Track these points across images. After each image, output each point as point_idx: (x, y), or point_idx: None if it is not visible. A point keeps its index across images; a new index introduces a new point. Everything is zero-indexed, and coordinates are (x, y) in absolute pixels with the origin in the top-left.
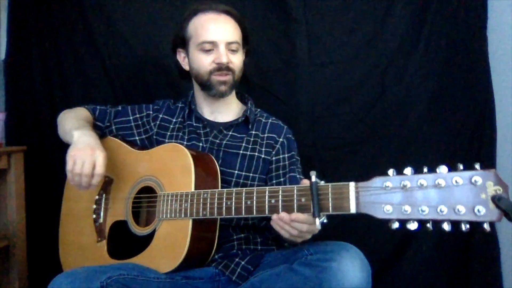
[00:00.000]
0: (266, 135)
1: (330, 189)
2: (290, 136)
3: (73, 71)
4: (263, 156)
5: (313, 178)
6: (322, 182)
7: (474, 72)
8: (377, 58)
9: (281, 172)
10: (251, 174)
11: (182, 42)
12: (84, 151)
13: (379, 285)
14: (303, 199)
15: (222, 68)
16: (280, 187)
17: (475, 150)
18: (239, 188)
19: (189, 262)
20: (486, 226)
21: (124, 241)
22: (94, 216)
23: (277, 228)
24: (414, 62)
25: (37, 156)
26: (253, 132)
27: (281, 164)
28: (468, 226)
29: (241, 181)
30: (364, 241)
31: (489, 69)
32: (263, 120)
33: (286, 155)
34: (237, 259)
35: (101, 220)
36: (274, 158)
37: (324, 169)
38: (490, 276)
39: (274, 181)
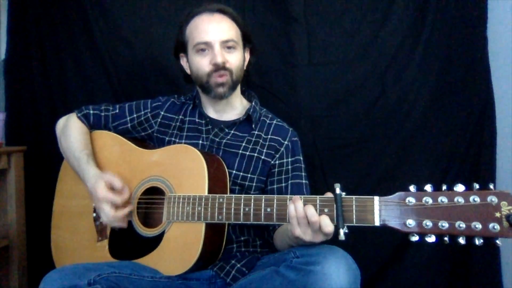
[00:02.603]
0: (269, 136)
1: (354, 201)
2: (295, 139)
3: (73, 71)
4: (263, 157)
5: (338, 190)
6: (344, 194)
7: (474, 72)
8: (377, 58)
9: (283, 176)
10: (249, 175)
11: (182, 46)
12: (95, 201)
13: (380, 286)
14: (326, 210)
15: (219, 68)
16: (303, 196)
17: (475, 151)
18: (258, 195)
19: (199, 266)
20: (498, 241)
21: (127, 242)
22: (95, 214)
23: (290, 209)
24: (414, 62)
25: (37, 156)
26: (256, 132)
27: (284, 168)
28: (481, 240)
29: (238, 181)
30: (364, 243)
31: (489, 69)
32: (268, 121)
33: (289, 159)
34: (233, 261)
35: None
36: (277, 162)
37: (324, 169)
38: (490, 276)
39: (275, 186)
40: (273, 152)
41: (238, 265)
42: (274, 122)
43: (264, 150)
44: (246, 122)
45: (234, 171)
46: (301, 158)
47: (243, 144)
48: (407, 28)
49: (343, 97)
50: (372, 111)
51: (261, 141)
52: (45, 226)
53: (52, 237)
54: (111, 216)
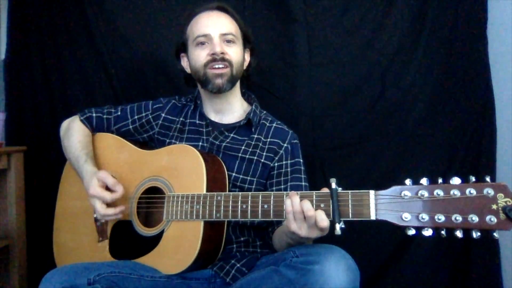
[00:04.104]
0: (269, 139)
1: (350, 196)
2: (295, 141)
3: (73, 71)
4: (262, 160)
5: (333, 185)
6: (340, 189)
7: (474, 72)
8: (377, 58)
9: (282, 179)
10: (248, 178)
11: (183, 46)
12: (88, 198)
13: (379, 285)
14: (322, 205)
15: (217, 59)
16: (299, 192)
17: (475, 150)
18: (254, 192)
19: (198, 264)
20: (495, 234)
21: (127, 242)
22: (95, 215)
23: (287, 203)
24: (414, 62)
25: (37, 156)
26: (256, 136)
27: (283, 170)
28: (479, 233)
29: (238, 184)
30: (364, 243)
31: (489, 69)
32: (267, 124)
33: (288, 162)
34: (233, 261)
35: (103, 219)
36: (276, 164)
37: (324, 169)
38: (490, 276)
39: (274, 188)
40: (272, 155)
41: (238, 265)
42: (274, 125)
43: (264, 153)
44: (246, 126)
45: (233, 174)
46: (301, 161)
47: (243, 147)
48: (407, 28)
49: (343, 97)
50: (372, 111)
51: (260, 144)
52: (45, 226)
53: (54, 239)
54: (101, 213)
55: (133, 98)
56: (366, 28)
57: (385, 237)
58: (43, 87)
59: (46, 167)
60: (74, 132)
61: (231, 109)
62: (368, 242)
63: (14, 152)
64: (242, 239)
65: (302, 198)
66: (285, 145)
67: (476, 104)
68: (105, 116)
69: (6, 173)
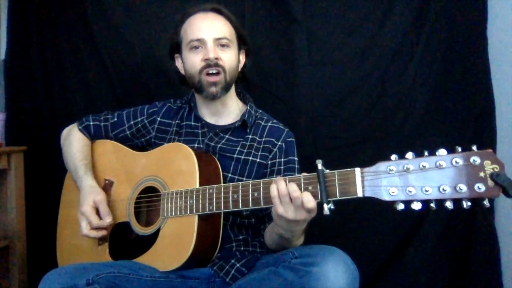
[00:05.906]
0: (264, 139)
1: (336, 175)
2: (290, 140)
3: (73, 72)
4: (258, 160)
5: (320, 166)
6: (327, 170)
7: (474, 72)
8: (377, 58)
9: (275, 176)
10: (244, 178)
11: (177, 47)
12: (79, 211)
13: (379, 286)
14: (310, 187)
15: (211, 64)
16: (287, 177)
17: None
18: (244, 181)
19: (195, 260)
20: (485, 202)
21: (127, 243)
22: None
23: (271, 188)
24: (414, 62)
25: (37, 156)
26: (250, 136)
27: (275, 168)
28: (469, 203)
29: None
30: (364, 243)
31: (489, 69)
32: (263, 123)
33: (282, 160)
34: (232, 261)
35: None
36: (270, 162)
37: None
38: (490, 276)
39: None
40: (267, 154)
41: (238, 265)
42: (269, 124)
43: (259, 153)
44: (241, 126)
45: (229, 175)
46: (296, 159)
47: (238, 148)
48: (407, 28)
49: (343, 97)
50: (372, 111)
51: (255, 144)
52: (46, 226)
53: (58, 246)
54: (84, 232)
55: (133, 98)
56: (366, 28)
57: (384, 238)
58: (43, 87)
59: (46, 167)
60: (73, 142)
61: (227, 111)
62: (367, 242)
63: (14, 152)
64: (241, 237)
65: (289, 181)
66: (279, 143)
67: (476, 104)
68: (102, 124)
69: (6, 173)
